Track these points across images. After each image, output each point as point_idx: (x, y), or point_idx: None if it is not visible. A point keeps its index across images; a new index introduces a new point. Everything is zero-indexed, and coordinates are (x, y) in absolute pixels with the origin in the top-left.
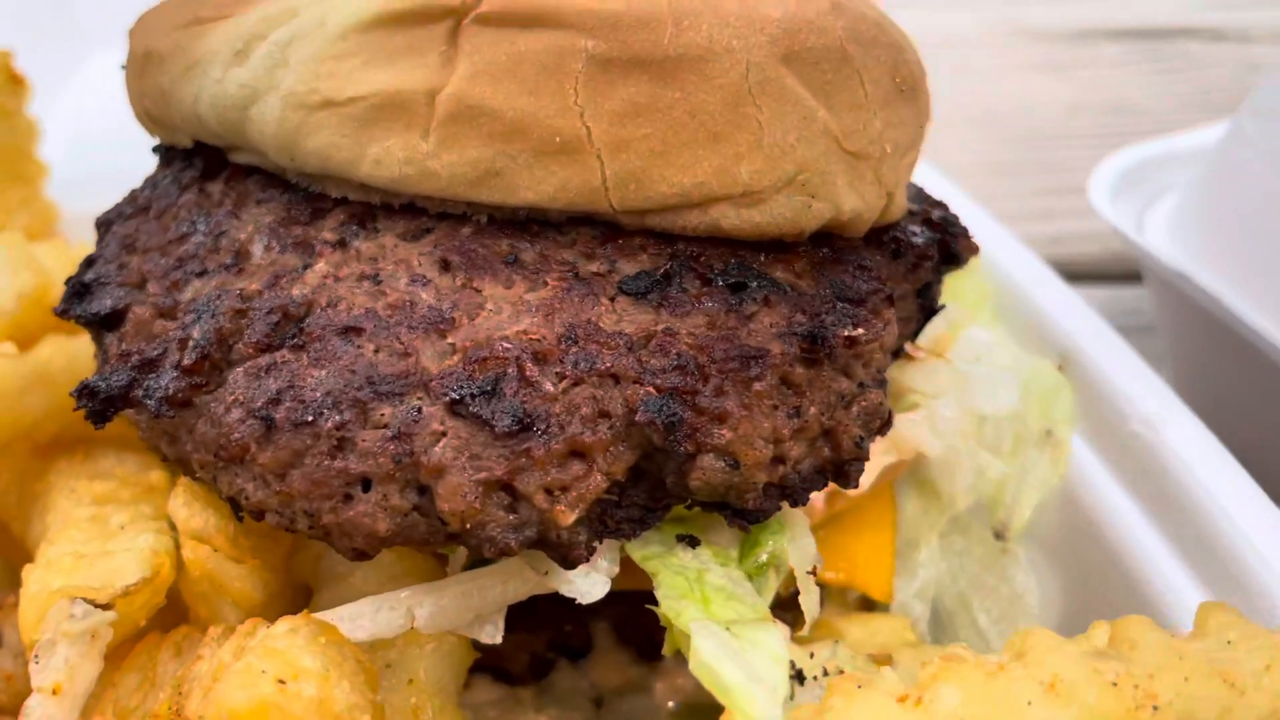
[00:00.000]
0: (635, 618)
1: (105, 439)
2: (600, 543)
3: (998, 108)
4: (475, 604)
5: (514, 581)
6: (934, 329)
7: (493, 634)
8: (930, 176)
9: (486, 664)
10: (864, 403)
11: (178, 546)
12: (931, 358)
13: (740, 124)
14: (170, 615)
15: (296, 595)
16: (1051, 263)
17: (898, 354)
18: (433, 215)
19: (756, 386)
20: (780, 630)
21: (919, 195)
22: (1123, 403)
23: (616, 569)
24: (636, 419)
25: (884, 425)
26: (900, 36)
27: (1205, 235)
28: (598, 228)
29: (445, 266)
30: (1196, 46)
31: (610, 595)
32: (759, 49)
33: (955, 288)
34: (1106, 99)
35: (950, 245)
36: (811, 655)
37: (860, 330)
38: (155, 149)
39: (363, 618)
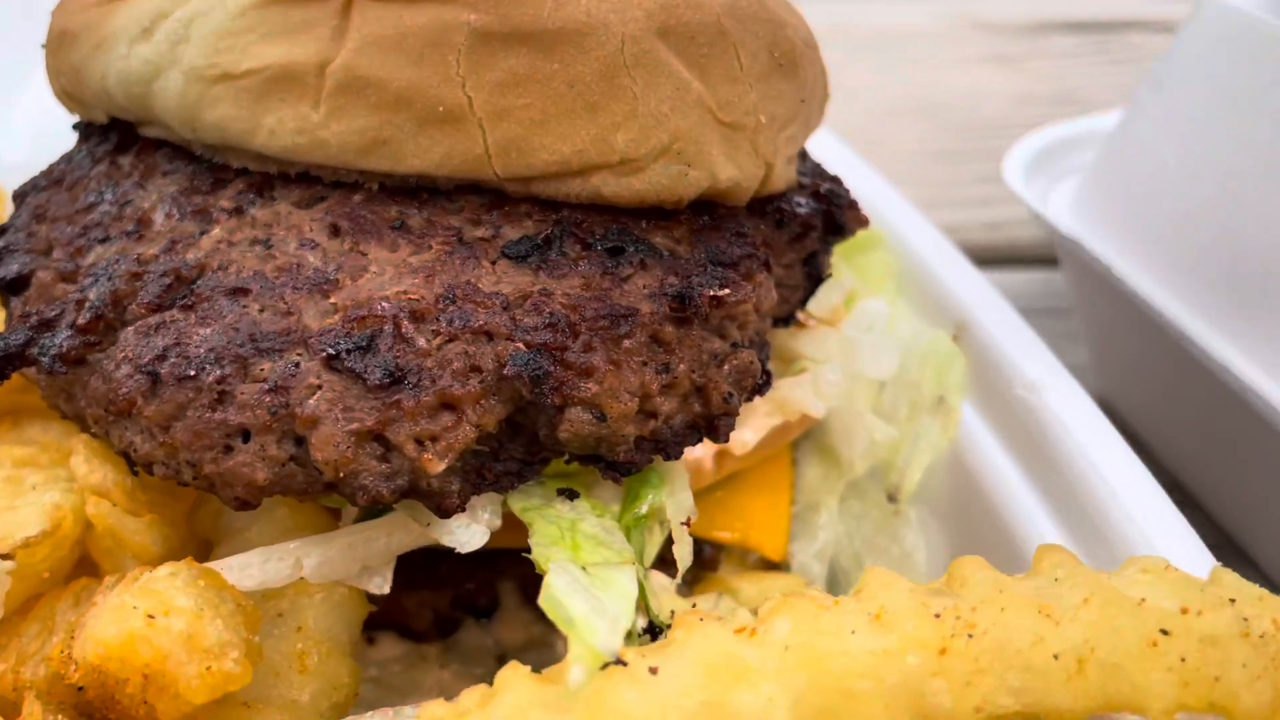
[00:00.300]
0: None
1: (34, 411)
2: (479, 494)
3: (948, 98)
4: (361, 555)
5: (398, 533)
6: (830, 299)
7: (380, 585)
8: (852, 162)
9: (393, 622)
10: (735, 361)
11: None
12: (821, 325)
13: (616, 95)
14: (85, 571)
15: (199, 549)
16: (989, 247)
17: (787, 321)
18: (327, 184)
19: (626, 344)
20: (632, 571)
21: (814, 170)
22: (1009, 369)
23: (498, 521)
24: (505, 373)
25: (760, 385)
26: (785, 13)
27: (1104, 205)
28: (485, 195)
29: (335, 231)
30: (1146, 38)
31: (516, 555)
32: (635, 23)
33: (862, 263)
34: (1055, 90)
35: (835, 216)
36: (694, 605)
37: (727, 291)
38: (75, 126)
39: (251, 567)
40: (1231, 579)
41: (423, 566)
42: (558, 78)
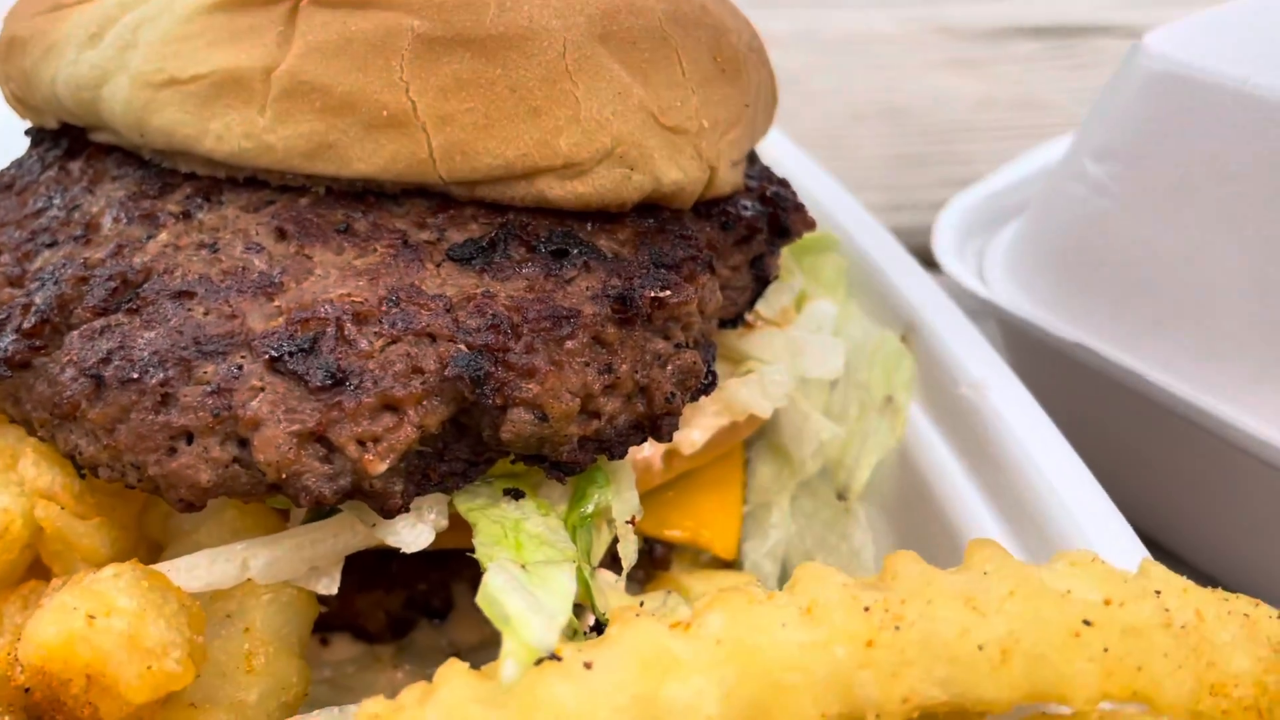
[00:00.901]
0: None
1: None
2: (424, 495)
3: (911, 102)
4: (309, 556)
5: (345, 534)
6: (780, 301)
7: (329, 586)
8: (807, 165)
9: (346, 623)
10: (678, 362)
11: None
12: (769, 326)
13: (558, 99)
14: (36, 574)
15: (149, 551)
16: None
17: (735, 322)
18: (275, 187)
19: (568, 344)
20: (572, 569)
21: (763, 173)
22: (955, 368)
23: (444, 521)
24: (447, 374)
25: (705, 385)
26: (729, 18)
27: (1035, 260)
28: (432, 199)
29: (281, 235)
30: (1110, 43)
31: (469, 556)
32: (577, 29)
33: (814, 264)
34: (1017, 94)
35: (781, 219)
36: (641, 603)
37: (668, 293)
38: (26, 131)
39: (198, 568)
40: (1159, 571)
41: (375, 568)
42: (500, 82)
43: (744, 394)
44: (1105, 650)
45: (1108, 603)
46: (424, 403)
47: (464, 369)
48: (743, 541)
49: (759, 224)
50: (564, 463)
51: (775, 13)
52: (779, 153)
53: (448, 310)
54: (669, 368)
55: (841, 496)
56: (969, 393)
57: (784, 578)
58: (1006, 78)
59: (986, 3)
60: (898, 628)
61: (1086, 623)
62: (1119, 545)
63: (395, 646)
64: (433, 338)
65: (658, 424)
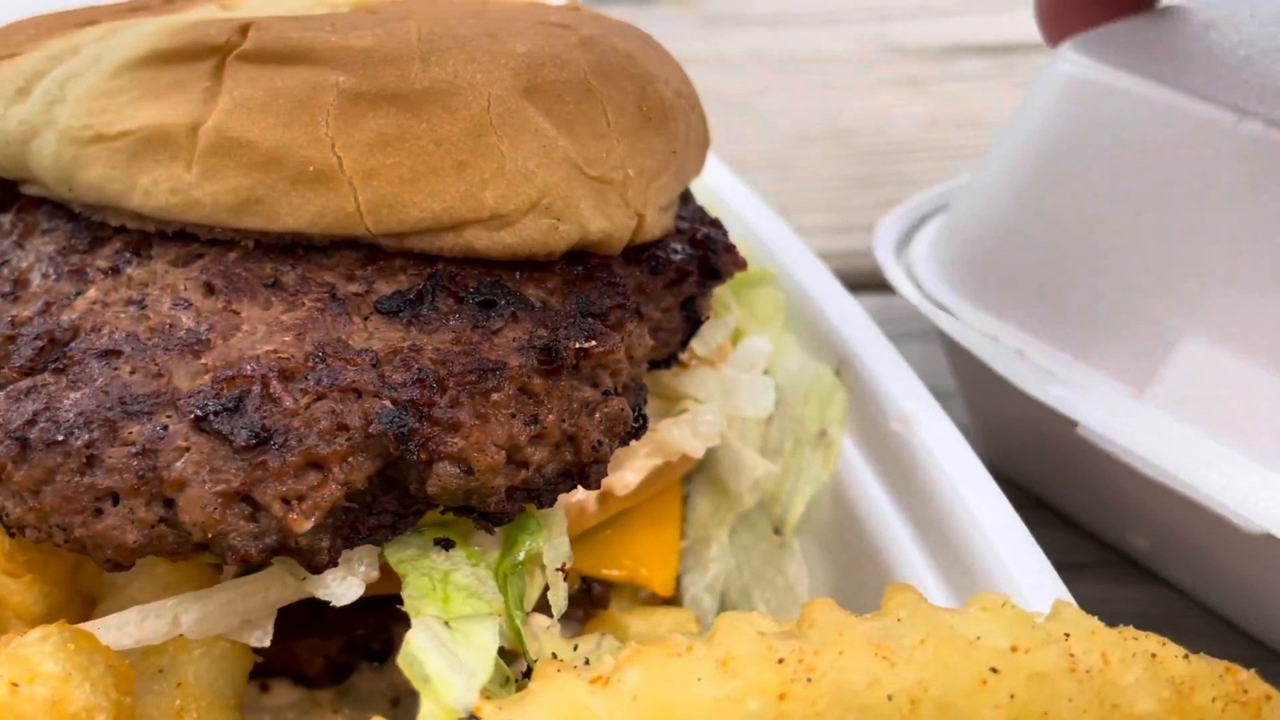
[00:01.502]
0: None
1: None
2: (352, 548)
3: (857, 122)
4: (241, 610)
5: (276, 588)
6: (716, 338)
7: (261, 639)
8: (749, 198)
9: (286, 668)
10: (606, 409)
11: None
12: (703, 366)
13: (484, 152)
14: None
15: (82, 606)
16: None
17: (669, 362)
18: (204, 241)
19: (494, 397)
20: (495, 623)
21: (695, 214)
22: (885, 402)
23: (375, 573)
24: (372, 431)
25: (635, 430)
26: (657, 66)
27: (950, 264)
28: (361, 250)
29: (209, 290)
30: None
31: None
32: (501, 83)
33: (752, 299)
34: (963, 113)
35: (711, 261)
36: (575, 648)
37: (593, 343)
38: None
39: (129, 625)
40: (1070, 613)
41: (313, 613)
42: (426, 137)
43: (676, 434)
44: (1011, 697)
45: (1015, 649)
46: (349, 460)
47: (388, 425)
48: (682, 575)
49: (689, 267)
50: (492, 513)
51: (725, 34)
52: (719, 184)
53: (374, 365)
54: (596, 415)
55: (777, 531)
56: (898, 427)
57: (723, 610)
58: (953, 97)
59: (934, 21)
60: (810, 679)
61: (994, 670)
62: (1037, 582)
63: (335, 691)
64: (358, 393)
65: (586, 472)
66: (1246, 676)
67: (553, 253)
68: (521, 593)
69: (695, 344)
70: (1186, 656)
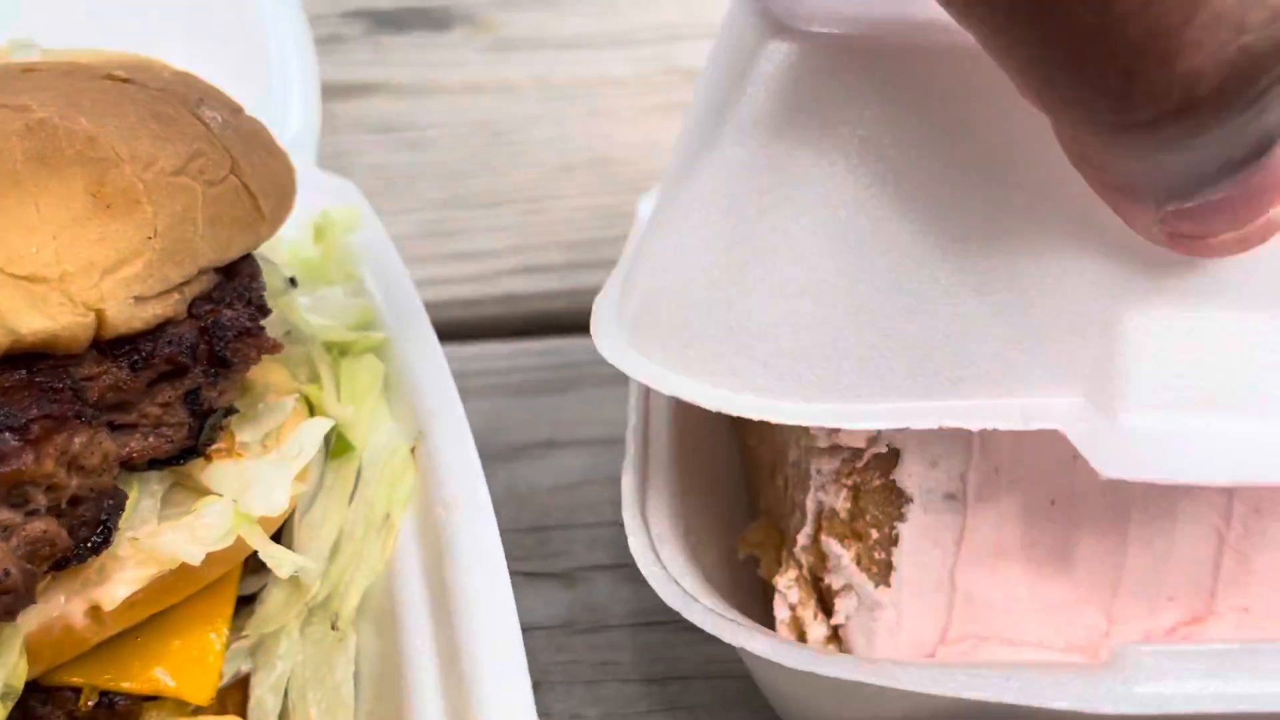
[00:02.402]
0: None
1: None
2: None
3: (623, 150)
4: None
5: None
6: (272, 422)
7: None
8: (385, 255)
9: None
10: (24, 533)
11: None
12: (229, 458)
13: None
14: None
15: None
16: None
17: (187, 457)
18: None
19: None
20: None
21: (232, 292)
22: (439, 484)
23: None
24: None
25: (96, 544)
26: (129, 147)
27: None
28: None
29: None
30: None
31: None
32: None
33: (353, 370)
34: None
35: (217, 349)
36: None
37: None
38: None
39: None
40: None
41: None
42: None
43: (167, 541)
44: None
45: None
46: None
47: None
48: (251, 674)
49: (181, 358)
50: None
51: (513, 58)
52: (364, 240)
53: None
54: (13, 541)
55: (334, 626)
56: (442, 512)
57: (285, 712)
58: None
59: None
60: None
61: None
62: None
63: None
64: None
65: None
66: None
67: None
68: None
69: (245, 431)
70: None
